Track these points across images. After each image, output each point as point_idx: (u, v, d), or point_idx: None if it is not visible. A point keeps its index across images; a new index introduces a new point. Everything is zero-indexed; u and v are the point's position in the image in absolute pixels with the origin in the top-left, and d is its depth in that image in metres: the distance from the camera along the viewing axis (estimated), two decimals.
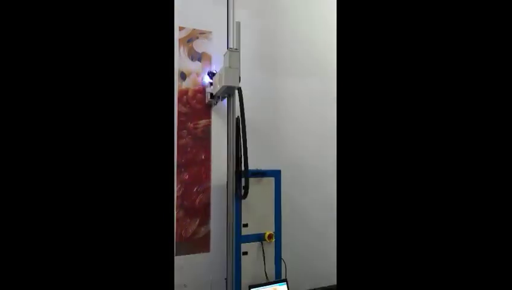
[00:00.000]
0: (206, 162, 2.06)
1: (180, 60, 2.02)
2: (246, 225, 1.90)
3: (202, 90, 2.08)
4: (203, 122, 2.07)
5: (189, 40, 2.06)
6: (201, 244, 2.03)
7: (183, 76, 2.03)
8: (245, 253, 1.89)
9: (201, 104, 2.07)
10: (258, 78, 2.25)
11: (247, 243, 1.90)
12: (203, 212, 2.03)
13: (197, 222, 2.01)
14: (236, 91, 1.79)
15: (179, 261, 1.94)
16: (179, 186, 1.98)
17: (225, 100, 1.94)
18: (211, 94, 2.02)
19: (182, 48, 2.03)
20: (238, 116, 1.81)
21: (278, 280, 1.91)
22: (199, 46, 2.09)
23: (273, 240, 1.95)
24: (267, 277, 1.91)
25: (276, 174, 2.01)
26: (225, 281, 1.86)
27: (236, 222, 1.84)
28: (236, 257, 1.83)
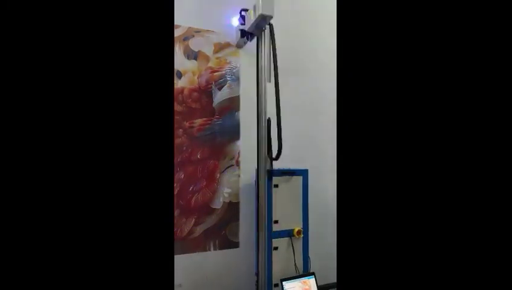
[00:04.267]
0: (202, 162, 2.05)
1: (176, 59, 2.00)
2: (276, 222, 2.00)
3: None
4: (198, 121, 2.05)
5: (185, 38, 2.03)
6: (197, 243, 2.03)
7: (179, 74, 2.01)
8: (275, 248, 1.98)
9: (197, 103, 2.05)
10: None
11: (277, 239, 1.99)
12: (199, 212, 2.03)
13: (192, 222, 2.02)
14: (268, 27, 1.80)
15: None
16: (174, 185, 1.97)
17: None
18: (242, 32, 1.99)
19: (177, 46, 2.01)
20: (269, 118, 1.84)
21: (307, 273, 1.99)
22: (195, 44, 2.06)
23: (302, 235, 2.05)
24: (297, 271, 1.99)
25: (303, 173, 2.10)
26: (255, 275, 1.91)
27: (268, 218, 1.92)
28: (268, 251, 1.91)
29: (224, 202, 2.09)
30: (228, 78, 2.13)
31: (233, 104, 2.13)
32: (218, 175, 2.08)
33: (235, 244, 2.12)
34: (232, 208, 2.11)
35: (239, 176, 2.14)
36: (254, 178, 2.01)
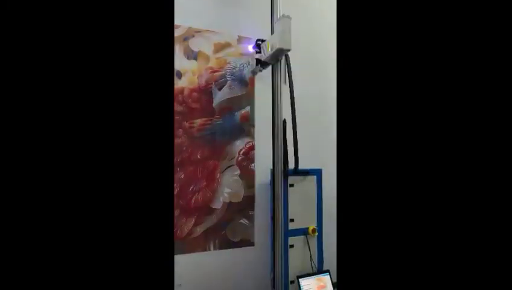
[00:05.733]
0: (202, 162, 2.05)
1: (176, 59, 2.00)
2: (292, 220, 2.05)
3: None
4: (198, 121, 2.05)
5: (185, 38, 2.04)
6: (198, 243, 2.03)
7: (178, 74, 2.01)
8: (291, 246, 2.04)
9: (197, 103, 2.05)
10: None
11: (293, 237, 2.05)
12: (199, 212, 2.03)
13: (192, 222, 2.02)
14: (284, 57, 1.83)
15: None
16: (174, 185, 1.97)
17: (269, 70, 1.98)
18: (257, 60, 2.02)
19: (177, 46, 2.01)
20: (284, 119, 1.87)
21: (322, 270, 2.06)
22: (195, 44, 2.06)
23: (316, 233, 2.10)
24: (313, 268, 2.06)
25: (317, 173, 2.15)
26: (272, 272, 1.93)
27: (284, 217, 1.95)
28: (284, 249, 1.95)
29: (224, 202, 2.09)
30: (228, 78, 2.13)
31: (233, 104, 2.14)
32: (218, 175, 2.08)
33: (236, 244, 2.12)
34: (232, 208, 2.11)
35: (239, 175, 2.14)
36: (269, 178, 2.05)
